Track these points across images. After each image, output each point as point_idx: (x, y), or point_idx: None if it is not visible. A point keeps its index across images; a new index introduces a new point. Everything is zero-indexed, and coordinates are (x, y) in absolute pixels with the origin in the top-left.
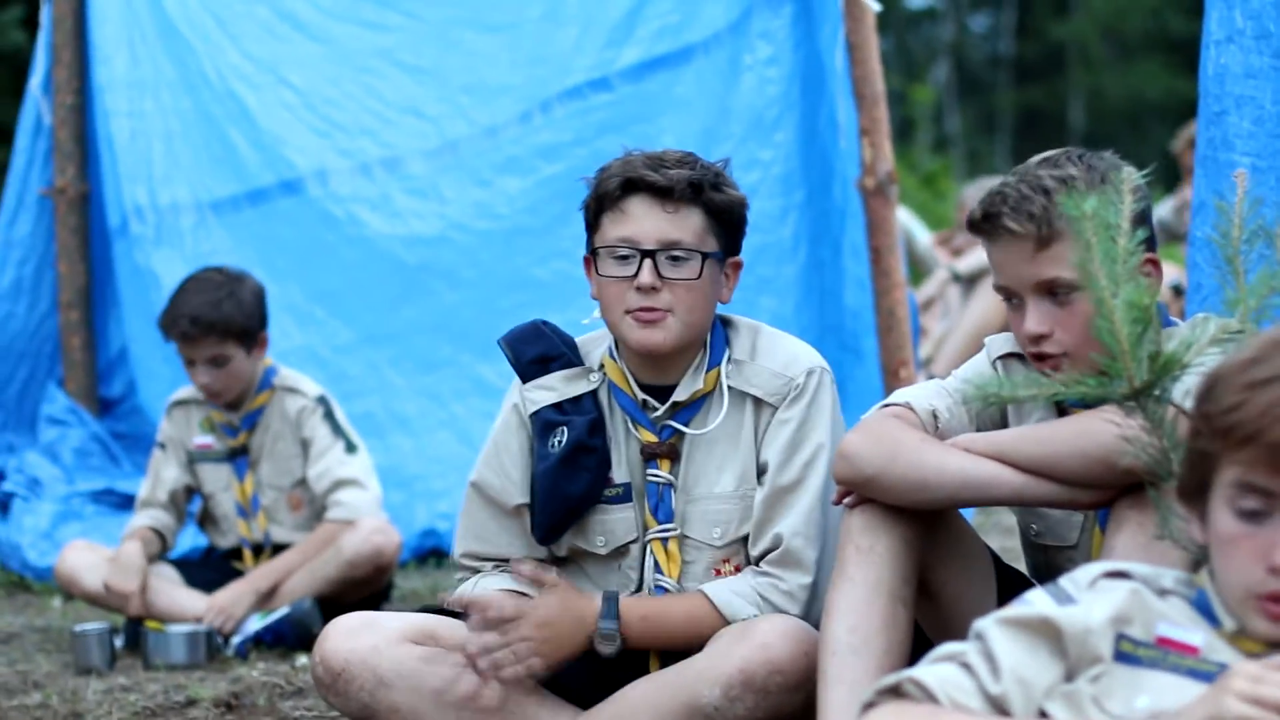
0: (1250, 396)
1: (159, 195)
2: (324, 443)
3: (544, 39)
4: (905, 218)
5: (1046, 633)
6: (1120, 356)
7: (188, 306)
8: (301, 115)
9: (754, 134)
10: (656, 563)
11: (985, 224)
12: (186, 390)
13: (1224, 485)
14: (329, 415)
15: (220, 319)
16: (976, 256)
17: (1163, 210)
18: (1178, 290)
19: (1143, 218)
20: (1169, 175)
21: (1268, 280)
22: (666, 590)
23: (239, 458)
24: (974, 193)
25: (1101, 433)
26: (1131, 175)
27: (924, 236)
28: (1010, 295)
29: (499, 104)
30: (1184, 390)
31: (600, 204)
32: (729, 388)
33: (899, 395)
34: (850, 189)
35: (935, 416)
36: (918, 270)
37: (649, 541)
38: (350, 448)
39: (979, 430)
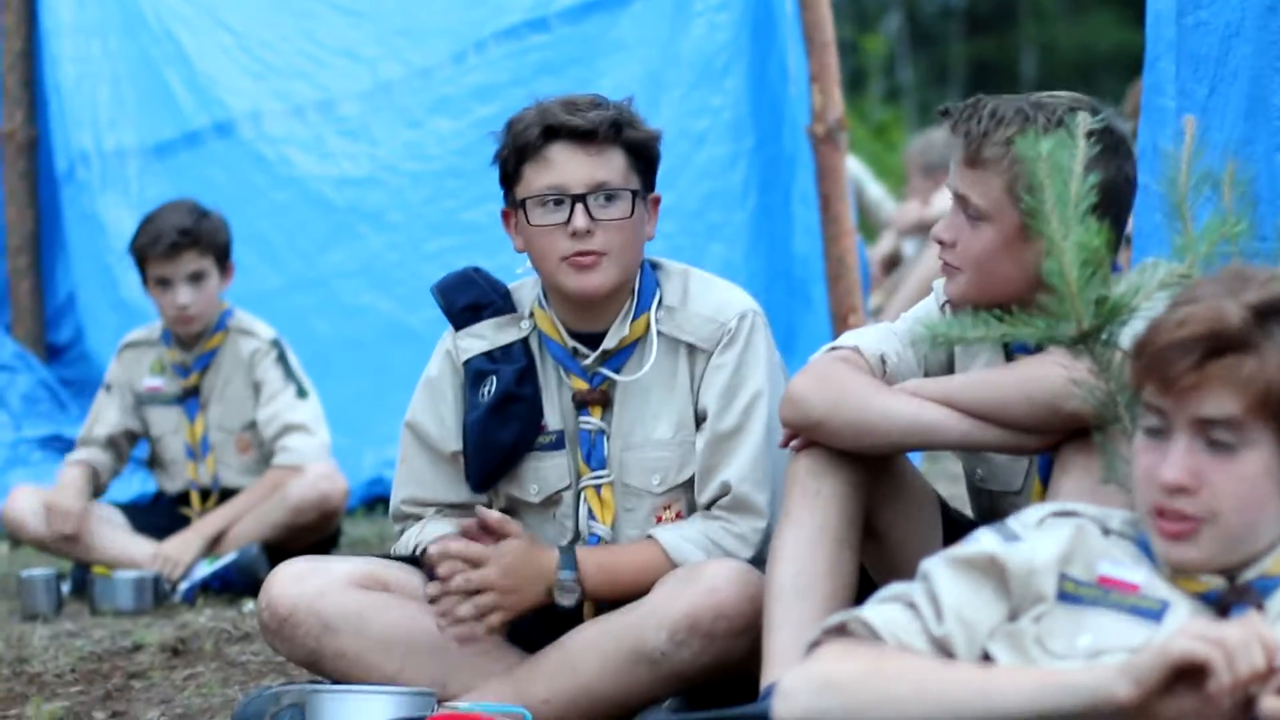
0: (1162, 317)
1: (104, 140)
2: (275, 386)
3: None
4: (855, 168)
5: (991, 571)
6: (1069, 299)
7: (170, 221)
8: (237, 58)
9: (704, 80)
10: (590, 510)
11: (943, 115)
12: (139, 332)
13: (1140, 407)
14: (282, 358)
15: (205, 230)
16: (938, 204)
17: None
18: (1126, 238)
19: (1096, 163)
20: None
21: (1218, 227)
22: (601, 538)
23: (190, 399)
24: (920, 145)
25: (1048, 377)
26: (1087, 120)
27: (874, 186)
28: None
29: (433, 45)
30: (1131, 334)
31: (520, 154)
32: (661, 334)
33: (847, 338)
34: (800, 136)
35: (883, 360)
36: (867, 220)
37: (582, 489)
38: (301, 393)
39: (926, 375)
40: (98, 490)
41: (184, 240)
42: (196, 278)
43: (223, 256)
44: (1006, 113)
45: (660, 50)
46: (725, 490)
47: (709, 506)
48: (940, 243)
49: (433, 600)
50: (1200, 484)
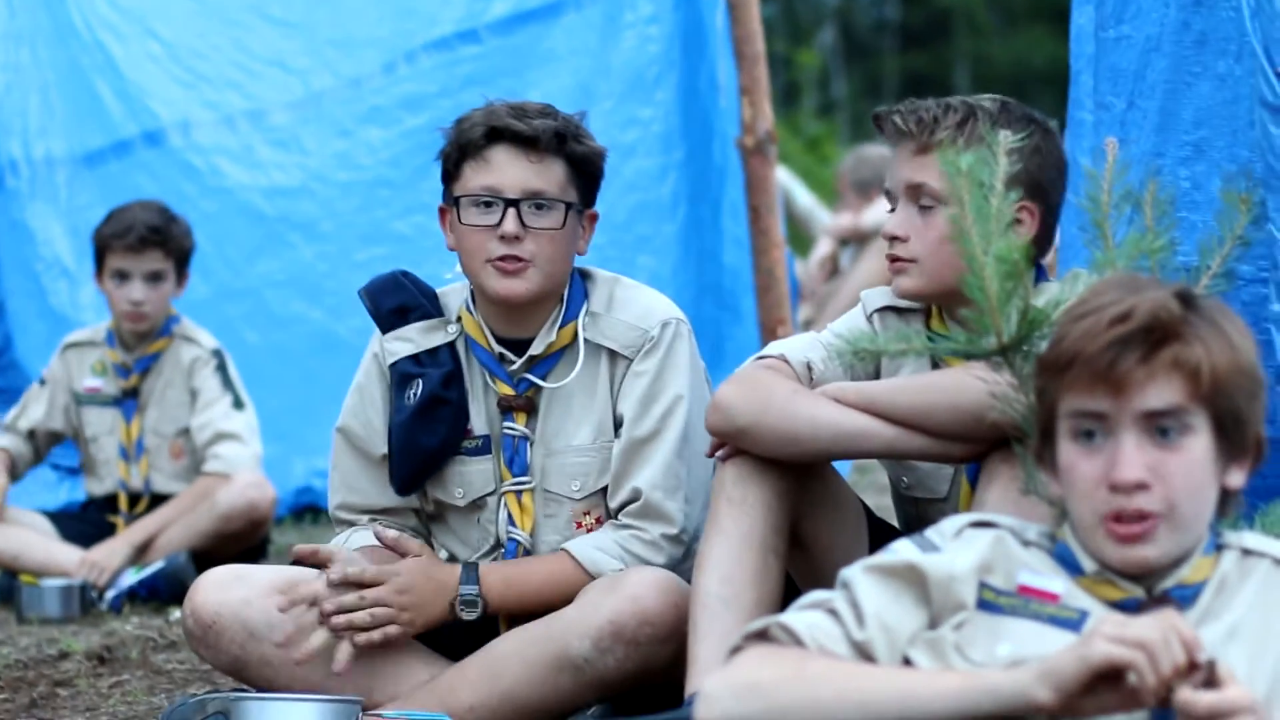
0: (1072, 327)
1: (33, 148)
2: (211, 394)
3: None
4: (786, 178)
5: (911, 579)
6: (989, 313)
7: (142, 216)
8: (167, 67)
9: (634, 92)
10: (510, 515)
11: (880, 120)
12: (82, 332)
13: (1063, 419)
14: (221, 368)
15: (174, 233)
16: (871, 215)
17: None
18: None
19: (1018, 179)
20: None
21: (1136, 242)
22: (519, 543)
23: (128, 400)
24: (851, 163)
25: (973, 386)
26: (1009, 137)
27: (805, 197)
28: (891, 198)
29: (364, 55)
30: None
31: (462, 152)
32: (585, 340)
33: (774, 347)
34: (730, 148)
35: (810, 369)
36: (797, 230)
37: (503, 494)
38: (238, 404)
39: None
40: (13, 476)
41: (153, 238)
42: (155, 277)
43: (183, 263)
44: (952, 102)
45: (591, 62)
46: (636, 496)
47: (619, 512)
48: (893, 239)
49: (325, 616)
50: (1156, 478)
